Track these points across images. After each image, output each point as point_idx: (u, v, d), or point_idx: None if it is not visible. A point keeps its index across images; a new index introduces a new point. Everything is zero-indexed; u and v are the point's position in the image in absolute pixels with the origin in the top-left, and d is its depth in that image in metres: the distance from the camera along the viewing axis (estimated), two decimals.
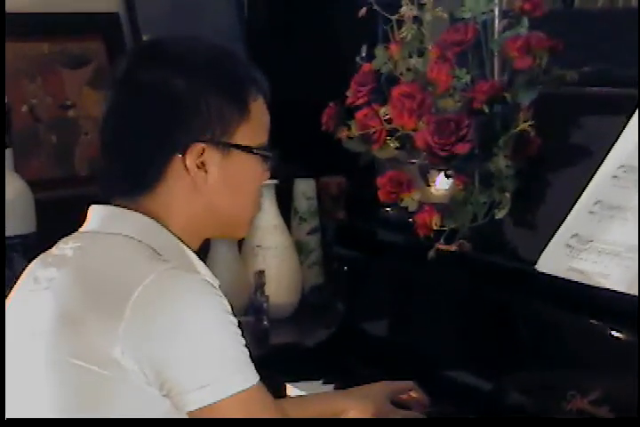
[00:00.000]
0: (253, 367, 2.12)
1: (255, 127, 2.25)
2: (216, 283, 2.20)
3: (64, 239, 2.24)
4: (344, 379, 2.81)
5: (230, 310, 2.12)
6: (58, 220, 3.24)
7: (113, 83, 2.27)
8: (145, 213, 2.19)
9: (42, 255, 2.25)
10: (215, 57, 2.25)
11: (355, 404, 2.63)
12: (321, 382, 2.85)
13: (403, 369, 2.74)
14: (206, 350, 2.06)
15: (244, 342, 2.12)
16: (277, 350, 3.20)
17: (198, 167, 2.18)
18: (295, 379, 2.86)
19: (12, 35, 3.65)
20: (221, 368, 2.07)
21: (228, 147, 2.21)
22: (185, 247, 2.21)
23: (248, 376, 2.09)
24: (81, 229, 2.25)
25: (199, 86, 2.18)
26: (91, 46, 3.81)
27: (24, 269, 2.94)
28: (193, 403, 2.05)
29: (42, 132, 3.71)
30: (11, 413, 2.22)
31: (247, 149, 2.24)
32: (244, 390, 2.07)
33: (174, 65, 2.20)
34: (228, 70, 2.24)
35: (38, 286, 2.17)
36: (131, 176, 2.21)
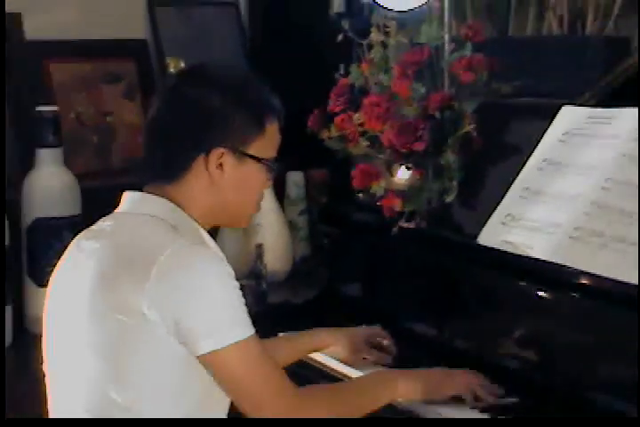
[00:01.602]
0: (250, 322, 2.11)
1: (267, 144, 2.28)
2: (221, 253, 2.23)
3: (103, 218, 2.27)
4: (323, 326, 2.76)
5: (233, 275, 2.13)
6: (98, 203, 3.22)
7: (162, 93, 2.33)
8: (169, 199, 2.21)
9: (85, 230, 2.27)
10: (245, 83, 2.29)
11: (335, 340, 2.68)
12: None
13: (373, 321, 2.74)
14: (213, 307, 2.07)
15: (243, 301, 2.12)
16: (273, 308, 3.19)
17: (216, 167, 2.21)
18: (287, 330, 2.84)
19: (63, 57, 3.65)
20: (224, 321, 2.08)
21: (242, 155, 2.23)
22: (198, 227, 2.23)
23: (245, 329, 2.09)
24: (116, 211, 2.27)
25: (229, 105, 2.21)
26: (124, 66, 3.79)
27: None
28: (201, 349, 2.06)
29: (86, 135, 3.69)
30: (56, 354, 2.24)
31: (257, 160, 2.25)
32: (242, 340, 2.08)
33: (213, 86, 2.24)
34: (254, 95, 2.27)
35: (82, 254, 2.19)
36: (163, 168, 2.24)
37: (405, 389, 2.36)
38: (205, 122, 2.22)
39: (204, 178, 2.22)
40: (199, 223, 2.24)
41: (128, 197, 2.27)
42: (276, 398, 2.13)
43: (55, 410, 2.25)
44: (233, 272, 2.14)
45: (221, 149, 2.21)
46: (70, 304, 2.18)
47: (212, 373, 2.11)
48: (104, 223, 2.26)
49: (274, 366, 2.16)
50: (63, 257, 2.27)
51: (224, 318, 2.09)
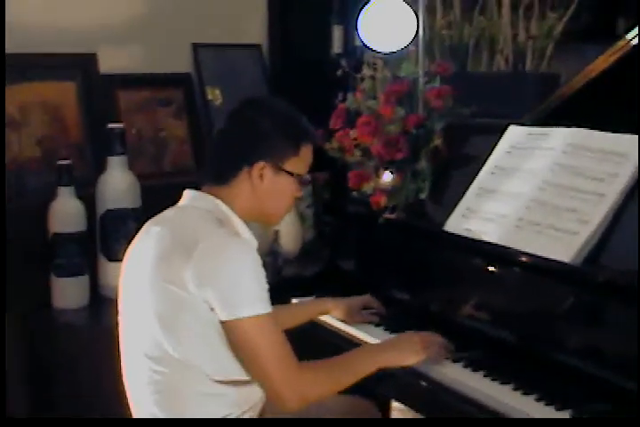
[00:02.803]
0: (270, 302, 2.08)
1: (300, 162, 2.25)
2: (255, 244, 2.21)
3: (167, 209, 2.26)
4: (327, 295, 2.78)
5: (260, 262, 2.10)
6: (153, 198, 3.25)
7: (227, 116, 2.29)
8: (218, 198, 2.20)
9: (153, 218, 2.26)
10: (289, 114, 2.27)
11: (336, 306, 2.66)
12: (313, 297, 2.84)
13: (365, 290, 2.74)
14: (238, 285, 2.04)
15: (266, 281, 2.09)
16: (287, 279, 3.19)
17: (258, 177, 2.19)
18: (298, 296, 2.86)
19: (127, 87, 3.65)
20: (248, 297, 2.05)
21: (279, 169, 2.21)
22: (239, 220, 2.20)
23: (265, 306, 2.06)
24: (178, 204, 2.26)
25: (275, 129, 2.20)
26: (174, 93, 3.80)
27: (135, 228, 2.99)
28: (227, 316, 2.04)
29: (144, 146, 3.70)
30: (127, 311, 2.23)
31: (291, 174, 2.23)
32: (261, 314, 2.05)
33: (265, 113, 2.23)
34: (295, 124, 2.26)
35: (148, 235, 2.19)
36: (217, 173, 2.23)
37: (384, 359, 2.27)
38: (254, 141, 2.21)
39: (247, 184, 2.21)
40: (240, 218, 2.21)
41: (187, 194, 2.26)
42: (281, 367, 2.08)
43: (125, 353, 2.24)
44: (260, 259, 2.11)
45: (263, 163, 2.20)
46: (137, 275, 2.18)
47: (232, 339, 2.08)
48: (167, 213, 2.25)
49: (285, 341, 2.10)
50: (136, 237, 2.26)
51: (248, 294, 2.06)
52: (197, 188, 2.26)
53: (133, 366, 2.20)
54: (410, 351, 2.29)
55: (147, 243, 2.18)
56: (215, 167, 2.26)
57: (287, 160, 2.23)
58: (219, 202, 2.20)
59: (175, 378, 2.11)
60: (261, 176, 2.20)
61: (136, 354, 2.17)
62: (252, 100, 2.34)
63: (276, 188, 2.23)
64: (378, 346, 2.40)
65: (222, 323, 2.07)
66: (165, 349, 2.10)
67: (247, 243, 2.14)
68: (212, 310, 2.06)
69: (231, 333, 2.07)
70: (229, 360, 2.11)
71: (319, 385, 2.15)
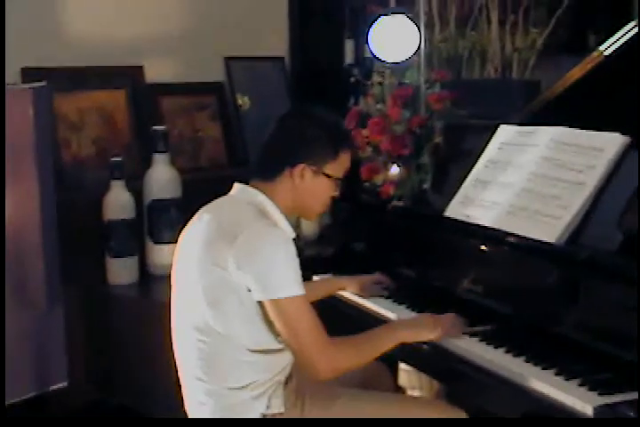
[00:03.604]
0: (304, 286, 2.04)
1: (338, 167, 2.19)
2: (292, 234, 2.15)
3: (219, 198, 2.21)
4: (343, 274, 2.76)
5: (295, 251, 2.04)
6: (192, 190, 3.28)
7: (276, 121, 2.23)
8: (262, 192, 2.15)
9: (206, 206, 2.21)
10: (331, 122, 2.22)
11: (350, 283, 2.63)
12: (330, 274, 2.81)
13: (375, 268, 2.72)
14: (275, 269, 2.00)
15: (300, 271, 2.04)
16: (307, 259, 3.05)
17: (298, 177, 2.14)
18: (317, 273, 2.83)
19: (169, 94, 3.65)
20: (284, 280, 2.00)
21: (318, 171, 2.16)
22: (278, 213, 2.15)
23: (300, 288, 2.02)
24: (228, 194, 2.21)
25: (317, 136, 2.15)
26: (208, 99, 3.78)
27: (176, 215, 2.95)
28: (263, 296, 2.01)
29: (184, 145, 3.69)
30: (178, 288, 2.19)
31: (328, 177, 2.18)
32: (297, 296, 2.01)
33: (309, 121, 2.18)
34: (335, 132, 2.20)
35: (200, 221, 2.14)
36: (263, 170, 2.17)
37: (404, 335, 2.20)
38: (297, 144, 2.16)
39: (288, 183, 2.15)
40: (280, 211, 2.16)
41: (236, 187, 2.21)
42: (317, 342, 2.03)
43: (175, 323, 2.21)
44: (294, 248, 2.04)
45: (304, 165, 2.14)
46: (188, 256, 2.14)
47: (272, 316, 2.04)
48: (217, 202, 2.21)
49: (318, 320, 2.05)
50: (190, 221, 2.21)
51: (283, 278, 2.01)
52: (246, 181, 2.21)
53: (182, 335, 2.17)
54: (426, 328, 2.22)
55: (198, 228, 2.14)
56: (262, 165, 2.20)
57: (326, 164, 2.17)
58: (263, 196, 2.15)
59: (216, 347, 2.08)
60: (302, 176, 2.15)
61: (185, 325, 2.14)
62: (298, 109, 2.30)
63: (314, 188, 2.17)
64: (398, 324, 2.33)
65: (259, 303, 2.04)
66: (210, 323, 2.07)
67: (284, 233, 2.09)
68: (250, 290, 2.03)
69: (271, 311, 2.03)
70: (263, 333, 2.08)
71: (349, 358, 2.09)
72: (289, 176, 2.15)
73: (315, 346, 2.03)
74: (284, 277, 2.01)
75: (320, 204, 2.24)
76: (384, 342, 2.17)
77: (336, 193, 2.24)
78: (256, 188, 2.17)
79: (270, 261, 2.00)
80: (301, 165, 2.15)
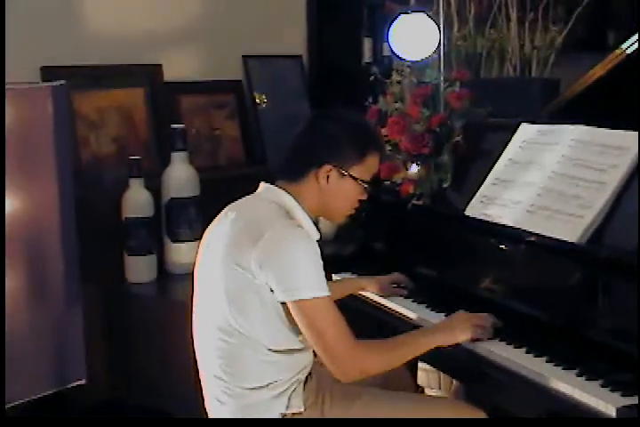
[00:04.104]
0: (327, 287, 2.01)
1: (364, 169, 2.17)
2: (316, 236, 2.14)
3: (244, 198, 2.20)
4: (362, 273, 2.77)
5: (318, 251, 2.02)
6: (210, 188, 3.28)
7: (304, 122, 2.21)
8: (288, 193, 2.13)
9: (231, 204, 2.19)
10: (359, 125, 2.21)
11: (370, 283, 2.62)
12: (350, 273, 2.81)
13: (395, 268, 2.70)
14: (298, 270, 1.98)
15: (322, 272, 2.01)
16: (327, 257, 3.11)
17: (324, 178, 2.12)
18: (336, 272, 2.82)
19: (188, 92, 3.65)
20: (307, 281, 1.98)
21: (344, 174, 2.14)
22: (303, 213, 2.13)
23: (324, 289, 2.00)
24: (254, 193, 2.20)
25: (344, 137, 2.13)
26: (226, 98, 3.78)
27: (194, 214, 2.93)
28: (286, 297, 1.99)
29: (202, 143, 3.69)
30: (201, 287, 2.17)
31: (354, 179, 2.15)
32: (321, 296, 1.99)
33: (336, 122, 2.16)
34: (363, 134, 2.19)
35: (225, 220, 2.13)
36: (289, 171, 2.16)
37: (438, 340, 2.15)
38: (324, 146, 2.14)
39: (314, 184, 2.14)
40: (305, 212, 2.14)
41: (262, 186, 2.19)
42: (343, 343, 2.01)
43: (197, 322, 2.19)
44: (318, 250, 2.03)
45: (330, 167, 2.13)
46: (212, 255, 2.13)
47: (296, 318, 2.02)
48: (243, 201, 2.20)
49: (344, 321, 2.03)
50: (215, 220, 2.19)
51: (306, 279, 1.99)
52: (265, 180, 2.20)
53: (204, 333, 2.16)
54: (460, 330, 2.16)
55: (223, 227, 2.12)
56: (288, 166, 2.18)
57: (352, 166, 2.15)
58: (288, 196, 2.13)
59: (237, 347, 2.07)
60: (327, 178, 2.13)
61: (207, 324, 2.13)
62: (325, 111, 2.27)
63: (340, 190, 2.15)
64: (432, 328, 2.25)
65: (282, 304, 2.02)
66: (231, 323, 2.06)
67: (307, 234, 2.07)
68: (272, 291, 2.01)
69: (294, 312, 2.01)
70: (284, 334, 2.07)
71: (379, 360, 2.07)
72: (315, 177, 2.14)
73: (341, 347, 2.01)
74: (306, 278, 1.99)
75: (345, 206, 2.22)
76: (420, 345, 2.13)
77: (363, 196, 2.22)
78: (282, 188, 2.15)
79: (293, 262, 1.99)
80: (327, 167, 2.13)
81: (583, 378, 1.95)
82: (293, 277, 1.99)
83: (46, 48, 3.25)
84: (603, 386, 1.91)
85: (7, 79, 2.78)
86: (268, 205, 2.11)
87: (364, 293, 2.66)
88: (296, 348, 2.10)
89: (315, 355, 2.15)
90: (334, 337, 2.00)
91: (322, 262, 2.02)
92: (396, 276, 2.66)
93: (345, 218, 2.29)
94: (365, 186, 2.19)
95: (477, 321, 2.19)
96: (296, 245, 2.00)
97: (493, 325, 2.21)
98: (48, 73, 3.20)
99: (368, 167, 2.18)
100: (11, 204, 2.75)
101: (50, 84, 2.87)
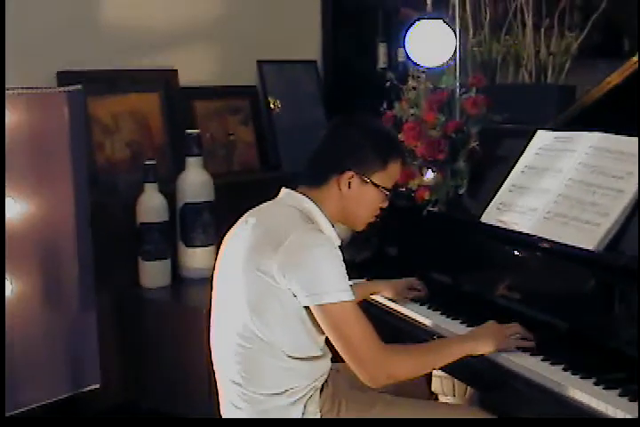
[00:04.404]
0: (351, 291, 2.00)
1: (386, 176, 2.15)
2: (338, 241, 2.12)
3: (265, 203, 2.18)
4: (377, 277, 2.74)
5: (340, 256, 2.00)
6: (224, 193, 3.29)
7: (328, 128, 2.20)
8: (310, 198, 2.12)
9: (252, 209, 2.18)
10: (382, 132, 2.20)
11: (385, 288, 2.60)
12: (365, 279, 2.78)
13: (410, 273, 2.68)
14: (321, 275, 1.97)
15: (346, 275, 2.00)
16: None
17: (345, 184, 2.11)
18: (351, 279, 2.78)
19: (202, 97, 3.67)
20: (331, 285, 1.96)
21: (365, 180, 2.12)
22: (324, 219, 2.12)
23: (349, 293, 1.98)
24: (275, 199, 2.19)
25: (367, 145, 2.12)
26: (241, 103, 3.79)
27: (208, 219, 2.94)
28: (311, 302, 1.97)
29: (217, 148, 3.70)
30: (220, 294, 2.16)
31: (376, 186, 2.14)
32: (347, 300, 1.97)
33: (360, 130, 2.15)
34: (386, 141, 2.17)
35: (245, 225, 2.11)
36: (311, 177, 2.15)
37: (467, 349, 2.11)
38: (347, 152, 2.12)
39: (336, 190, 2.13)
40: (327, 218, 2.13)
41: (283, 191, 2.18)
42: (370, 348, 1.99)
43: (216, 327, 2.18)
44: (340, 254, 2.01)
45: (351, 173, 2.11)
46: (232, 261, 2.11)
47: (321, 323, 2.00)
48: (264, 206, 2.18)
49: (370, 325, 2.01)
50: (235, 225, 2.18)
51: (329, 283, 1.97)
52: (280, 185, 2.19)
53: (222, 339, 2.15)
54: (489, 340, 2.13)
55: (243, 232, 2.11)
56: (310, 171, 2.17)
57: (374, 173, 2.14)
58: (309, 202, 2.12)
59: (256, 352, 2.06)
60: (349, 184, 2.12)
61: (226, 329, 2.12)
62: (349, 117, 2.25)
63: (361, 196, 2.14)
64: (463, 337, 2.20)
65: (306, 308, 2.01)
66: (251, 328, 2.05)
67: (329, 239, 2.05)
68: (295, 296, 2.00)
69: (319, 317, 2.00)
70: (304, 340, 2.06)
71: (408, 365, 2.05)
72: (336, 183, 2.13)
73: (368, 351, 1.99)
74: (331, 282, 1.97)
75: (366, 213, 2.20)
76: (450, 353, 2.10)
77: (384, 204, 2.21)
78: (303, 194, 2.14)
79: (317, 266, 1.97)
80: (349, 173, 2.12)
81: (601, 387, 1.93)
82: (318, 282, 1.97)
83: (62, 53, 3.26)
84: (621, 395, 1.89)
85: (23, 84, 2.80)
86: (289, 211, 2.10)
87: (377, 297, 2.65)
88: (315, 355, 2.09)
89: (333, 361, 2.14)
90: (361, 341, 1.99)
91: (344, 266, 2.01)
92: (411, 281, 2.65)
93: (365, 225, 2.26)
94: (387, 193, 2.18)
95: (510, 332, 2.16)
96: (319, 249, 1.99)
97: (523, 336, 2.18)
98: (64, 78, 3.21)
99: (390, 174, 2.17)
100: (26, 208, 2.75)
101: (66, 88, 2.88)
